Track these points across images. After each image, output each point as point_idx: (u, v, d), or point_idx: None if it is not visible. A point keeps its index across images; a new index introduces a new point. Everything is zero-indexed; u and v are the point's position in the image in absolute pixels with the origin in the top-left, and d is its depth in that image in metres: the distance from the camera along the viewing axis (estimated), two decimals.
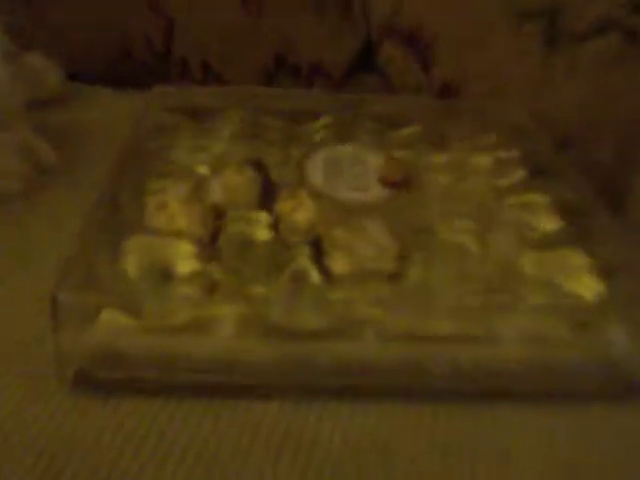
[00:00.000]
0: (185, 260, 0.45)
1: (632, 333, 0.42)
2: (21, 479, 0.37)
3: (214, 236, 0.48)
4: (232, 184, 0.51)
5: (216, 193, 0.51)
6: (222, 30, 0.79)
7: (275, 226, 0.48)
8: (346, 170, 0.54)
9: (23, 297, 0.48)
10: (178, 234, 0.46)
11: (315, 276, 0.44)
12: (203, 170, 0.54)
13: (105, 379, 0.42)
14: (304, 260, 0.44)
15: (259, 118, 0.62)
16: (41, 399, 0.43)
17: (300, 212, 0.48)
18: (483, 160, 0.58)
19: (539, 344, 0.43)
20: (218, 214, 0.49)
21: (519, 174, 0.56)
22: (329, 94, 0.71)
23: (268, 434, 0.41)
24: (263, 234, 0.48)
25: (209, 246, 0.46)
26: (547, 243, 0.48)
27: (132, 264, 0.44)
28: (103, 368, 0.42)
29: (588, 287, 0.45)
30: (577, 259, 0.47)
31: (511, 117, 0.65)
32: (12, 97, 0.62)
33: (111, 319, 0.41)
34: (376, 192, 0.52)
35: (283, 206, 0.49)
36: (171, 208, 0.48)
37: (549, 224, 0.50)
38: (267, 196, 0.51)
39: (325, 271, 0.44)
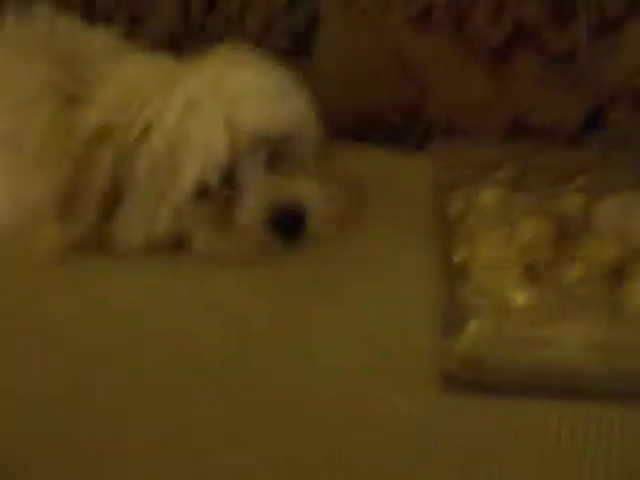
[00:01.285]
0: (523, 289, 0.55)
1: None
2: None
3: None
4: (540, 228, 0.61)
5: (526, 235, 0.61)
6: (466, 94, 0.90)
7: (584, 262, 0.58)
8: (629, 216, 0.63)
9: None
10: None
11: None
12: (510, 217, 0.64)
13: (469, 381, 0.52)
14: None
15: (529, 173, 0.72)
16: (410, 393, 0.53)
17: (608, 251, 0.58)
18: None
19: None
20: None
21: None
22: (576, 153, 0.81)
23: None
24: (575, 270, 0.58)
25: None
26: None
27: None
28: (468, 371, 0.52)
29: None
30: None
31: None
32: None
33: (478, 330, 0.51)
34: None
35: (590, 247, 0.59)
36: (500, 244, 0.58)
37: None
38: (568, 237, 0.61)
39: None
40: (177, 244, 0.69)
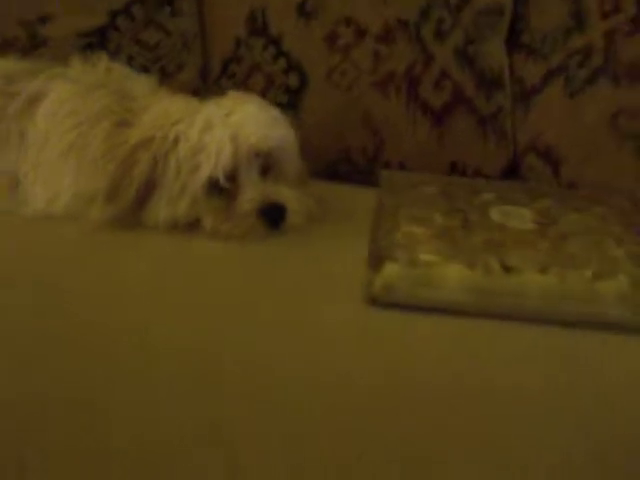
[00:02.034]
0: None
1: None
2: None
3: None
4: (450, 219, 0.88)
5: (438, 222, 0.88)
6: (415, 144, 1.18)
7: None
8: (512, 215, 0.90)
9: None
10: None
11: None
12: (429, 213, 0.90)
13: (385, 302, 0.78)
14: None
15: (450, 190, 0.99)
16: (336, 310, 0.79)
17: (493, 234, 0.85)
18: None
19: None
20: None
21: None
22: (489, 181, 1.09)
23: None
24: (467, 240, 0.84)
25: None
26: None
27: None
28: (384, 295, 0.78)
29: None
30: None
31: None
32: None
33: (394, 271, 0.78)
34: (533, 226, 0.88)
35: (481, 231, 0.86)
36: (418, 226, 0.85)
37: None
38: (467, 225, 0.88)
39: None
40: (190, 224, 0.96)
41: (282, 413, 0.67)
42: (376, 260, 0.80)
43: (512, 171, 1.17)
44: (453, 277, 0.78)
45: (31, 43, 1.20)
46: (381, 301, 0.78)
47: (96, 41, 1.21)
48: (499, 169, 1.16)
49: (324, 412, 0.68)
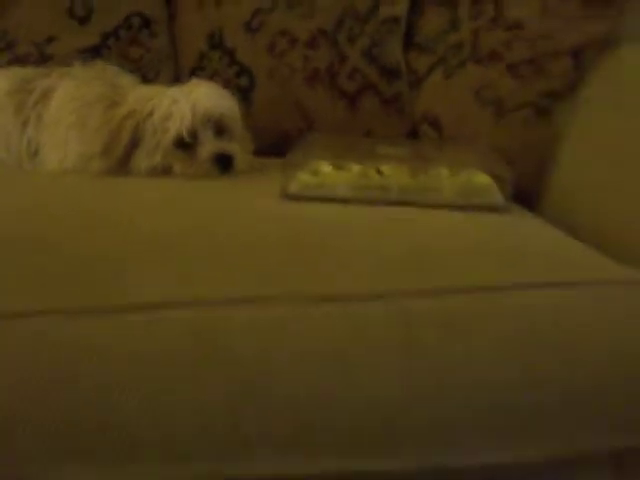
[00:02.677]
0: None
1: None
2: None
3: None
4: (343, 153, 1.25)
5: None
6: (336, 121, 1.56)
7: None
8: (392, 149, 1.27)
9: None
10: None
11: None
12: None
13: (301, 197, 1.14)
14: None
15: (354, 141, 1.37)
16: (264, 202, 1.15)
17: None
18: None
19: None
20: None
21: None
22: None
23: None
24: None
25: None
26: None
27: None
28: (300, 193, 1.14)
29: None
30: None
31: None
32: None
33: (303, 177, 1.14)
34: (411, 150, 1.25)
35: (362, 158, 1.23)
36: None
37: None
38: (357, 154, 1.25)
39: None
40: (164, 170, 1.32)
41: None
42: (291, 169, 1.16)
43: (413, 137, 1.54)
44: (342, 180, 1.15)
45: (41, 58, 1.57)
46: (294, 196, 1.14)
47: (91, 56, 1.59)
48: (403, 136, 1.54)
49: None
